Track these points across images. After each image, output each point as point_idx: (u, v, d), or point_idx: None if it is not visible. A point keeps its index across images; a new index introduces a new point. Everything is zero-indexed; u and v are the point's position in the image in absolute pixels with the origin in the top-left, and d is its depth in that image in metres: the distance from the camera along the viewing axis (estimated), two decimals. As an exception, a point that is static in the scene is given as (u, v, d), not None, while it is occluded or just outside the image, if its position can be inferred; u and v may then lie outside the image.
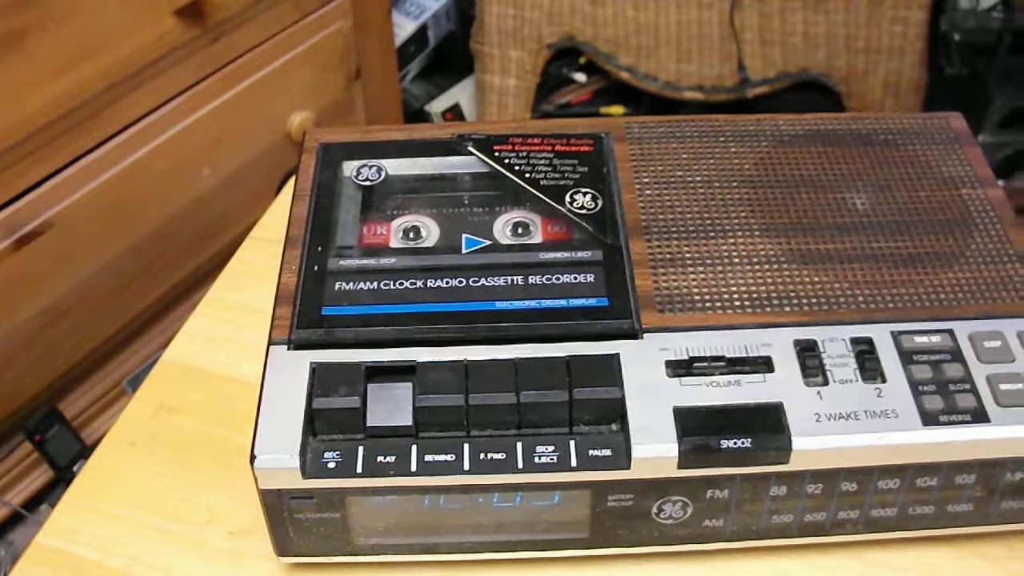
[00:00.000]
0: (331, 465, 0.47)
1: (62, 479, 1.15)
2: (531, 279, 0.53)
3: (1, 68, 0.94)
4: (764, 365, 0.49)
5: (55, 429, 1.12)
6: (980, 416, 0.48)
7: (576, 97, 1.64)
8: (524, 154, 0.59)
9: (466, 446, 0.47)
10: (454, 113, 1.66)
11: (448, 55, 1.70)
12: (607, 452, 0.47)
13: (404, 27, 1.60)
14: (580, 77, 1.65)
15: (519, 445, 0.47)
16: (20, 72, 0.95)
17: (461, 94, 1.67)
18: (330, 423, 0.47)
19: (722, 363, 0.49)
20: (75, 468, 1.15)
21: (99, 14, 1.00)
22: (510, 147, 0.60)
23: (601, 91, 1.65)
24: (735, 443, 0.47)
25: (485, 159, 0.59)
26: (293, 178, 0.60)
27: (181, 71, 1.12)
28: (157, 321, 1.25)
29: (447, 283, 0.53)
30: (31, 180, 1.01)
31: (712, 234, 0.55)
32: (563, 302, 0.52)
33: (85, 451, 1.16)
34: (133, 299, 1.19)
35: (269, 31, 1.21)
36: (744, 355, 0.50)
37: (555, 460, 0.47)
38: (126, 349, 1.23)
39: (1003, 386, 0.49)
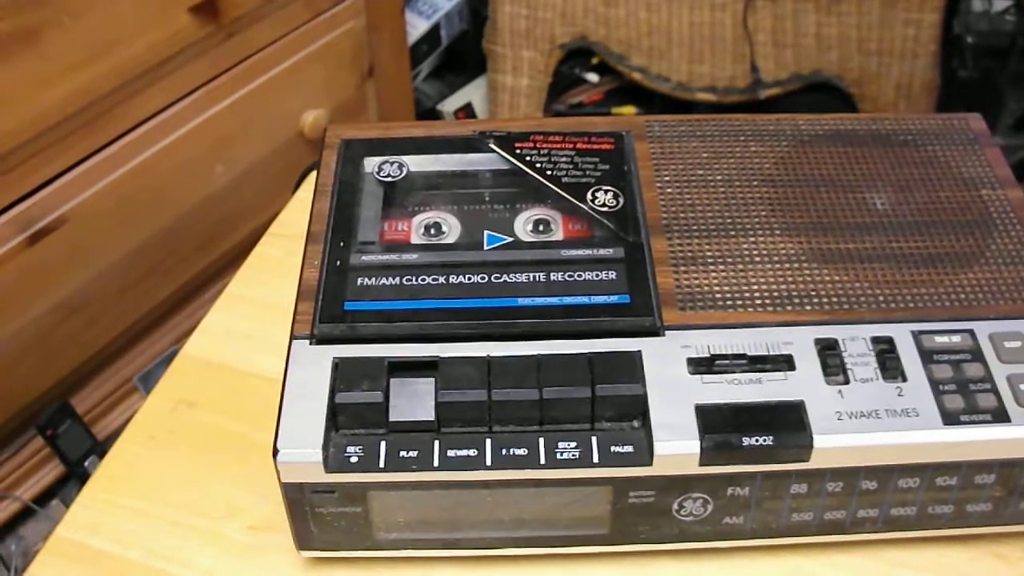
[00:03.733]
0: (353, 459, 0.47)
1: (73, 474, 1.15)
2: (553, 276, 0.53)
3: (15, 65, 0.94)
4: (785, 363, 0.49)
5: (67, 424, 1.13)
6: (1000, 416, 0.48)
7: (588, 97, 1.64)
8: (545, 152, 0.59)
9: (488, 441, 0.47)
10: (466, 112, 1.66)
11: (460, 54, 1.70)
12: (629, 448, 0.47)
13: (417, 26, 1.60)
14: (592, 77, 1.65)
15: (541, 441, 0.47)
16: (34, 68, 0.96)
17: (473, 93, 1.68)
18: (353, 417, 0.48)
19: (743, 361, 0.49)
20: (86, 463, 1.15)
21: (114, 11, 1.00)
22: (531, 144, 0.60)
23: (613, 92, 1.65)
24: (757, 440, 0.47)
25: (506, 156, 0.59)
26: (312, 174, 0.61)
27: (194, 68, 1.12)
28: (168, 318, 1.25)
29: (469, 279, 0.53)
30: (44, 176, 1.02)
31: (733, 233, 0.55)
32: (585, 299, 0.52)
33: (97, 446, 1.16)
34: (145, 295, 1.19)
35: (282, 29, 1.21)
36: (765, 353, 0.50)
37: (577, 456, 0.47)
38: (138, 345, 1.23)
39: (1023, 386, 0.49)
